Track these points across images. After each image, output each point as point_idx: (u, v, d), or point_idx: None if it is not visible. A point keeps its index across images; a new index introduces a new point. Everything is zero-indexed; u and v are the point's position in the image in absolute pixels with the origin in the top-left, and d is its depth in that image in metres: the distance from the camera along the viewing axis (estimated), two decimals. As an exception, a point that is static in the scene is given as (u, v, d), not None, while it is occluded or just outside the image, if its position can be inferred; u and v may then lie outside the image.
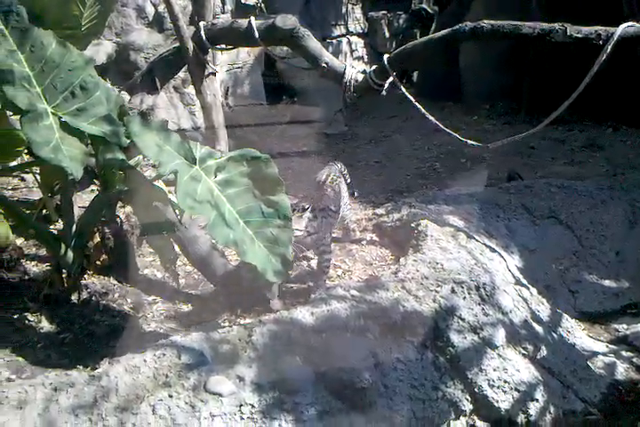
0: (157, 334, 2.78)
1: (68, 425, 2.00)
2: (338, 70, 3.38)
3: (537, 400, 2.77)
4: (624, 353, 3.39)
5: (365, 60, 9.18)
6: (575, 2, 6.22)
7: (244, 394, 2.19)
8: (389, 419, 2.39)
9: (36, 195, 4.11)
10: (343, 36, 8.79)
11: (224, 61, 6.65)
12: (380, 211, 4.07)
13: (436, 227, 3.46)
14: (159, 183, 2.88)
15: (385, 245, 3.72)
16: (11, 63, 2.38)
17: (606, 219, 4.20)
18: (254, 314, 2.90)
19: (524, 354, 2.88)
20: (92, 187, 3.92)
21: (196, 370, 2.22)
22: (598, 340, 3.54)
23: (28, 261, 3.31)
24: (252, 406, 2.18)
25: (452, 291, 2.83)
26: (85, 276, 3.07)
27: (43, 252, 3.38)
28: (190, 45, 3.44)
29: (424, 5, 9.61)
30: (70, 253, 2.86)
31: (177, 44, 3.54)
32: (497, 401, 2.68)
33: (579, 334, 3.36)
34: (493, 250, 3.45)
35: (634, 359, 3.33)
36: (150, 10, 6.08)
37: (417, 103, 3.26)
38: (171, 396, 2.12)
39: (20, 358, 2.56)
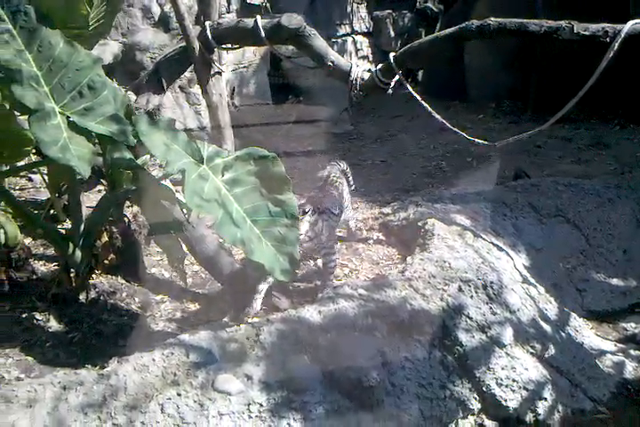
0: (165, 333, 2.79)
1: (77, 423, 2.00)
2: (344, 69, 3.37)
3: (545, 399, 2.76)
4: (632, 352, 3.37)
5: (370, 59, 9.18)
6: (581, 1, 6.19)
7: (253, 393, 2.19)
8: (397, 418, 2.39)
9: (44, 195, 4.14)
10: (348, 35, 8.79)
11: (230, 61, 6.66)
12: (386, 210, 4.06)
13: (442, 226, 3.45)
14: (166, 182, 2.88)
15: (391, 244, 3.72)
16: (19, 63, 2.39)
17: (614, 217, 4.19)
18: (261, 313, 2.90)
19: (532, 353, 2.87)
20: (100, 187, 3.94)
21: (205, 369, 2.22)
22: (606, 339, 3.52)
23: (37, 261, 3.32)
24: (261, 405, 2.18)
25: (460, 289, 2.83)
26: (93, 275, 3.08)
27: (51, 251, 3.39)
28: (196, 45, 3.44)
29: (429, 4, 9.61)
30: (78, 253, 2.87)
31: (183, 44, 3.54)
32: (505, 400, 2.67)
33: (587, 333, 3.35)
34: (500, 249, 3.44)
35: (642, 358, 3.32)
36: (156, 10, 6.10)
37: (423, 102, 3.25)
38: (179, 394, 2.12)
39: (29, 358, 2.58)
